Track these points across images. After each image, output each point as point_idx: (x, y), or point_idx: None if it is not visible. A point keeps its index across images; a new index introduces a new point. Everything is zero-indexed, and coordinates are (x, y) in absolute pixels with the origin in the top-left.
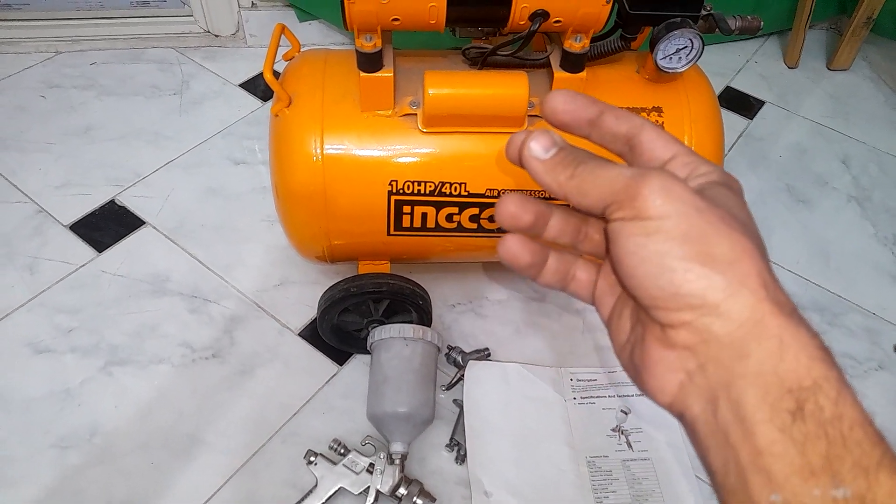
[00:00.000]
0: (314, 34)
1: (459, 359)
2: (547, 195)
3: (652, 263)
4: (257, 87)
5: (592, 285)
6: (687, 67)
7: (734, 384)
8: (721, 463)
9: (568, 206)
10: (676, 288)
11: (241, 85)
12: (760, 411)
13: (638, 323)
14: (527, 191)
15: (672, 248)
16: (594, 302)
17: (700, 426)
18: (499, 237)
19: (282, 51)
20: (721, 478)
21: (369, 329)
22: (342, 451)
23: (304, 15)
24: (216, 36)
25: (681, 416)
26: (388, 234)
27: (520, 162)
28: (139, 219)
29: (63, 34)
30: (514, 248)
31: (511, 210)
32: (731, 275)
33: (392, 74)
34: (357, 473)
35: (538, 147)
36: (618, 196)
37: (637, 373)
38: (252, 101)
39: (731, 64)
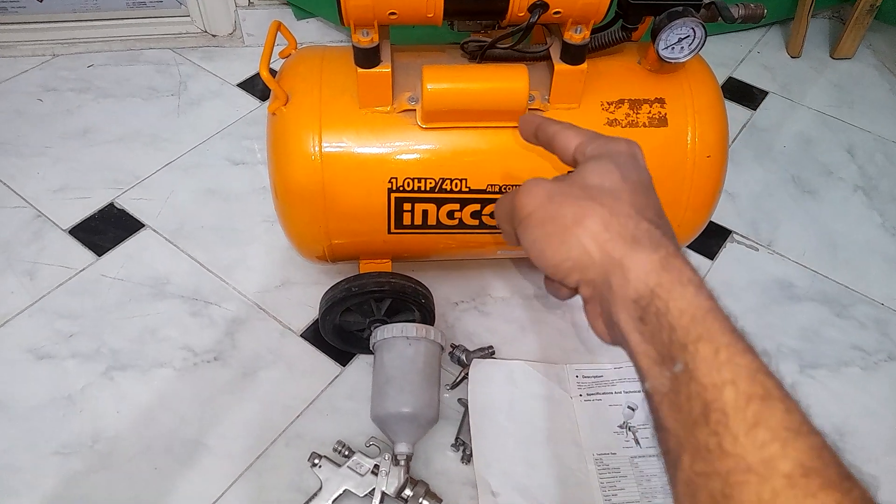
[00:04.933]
0: (312, 32)
1: (463, 357)
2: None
3: (534, 250)
4: (256, 87)
5: None
6: (689, 57)
7: (612, 311)
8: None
9: None
10: (554, 262)
11: (239, 85)
12: (626, 324)
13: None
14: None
15: (539, 234)
16: None
17: (624, 349)
18: (501, 233)
19: (278, 49)
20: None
21: (372, 329)
22: (346, 452)
23: (302, 13)
24: (213, 36)
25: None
26: (389, 232)
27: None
28: (138, 221)
29: (59, 37)
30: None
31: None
32: (580, 235)
33: (390, 70)
34: (362, 475)
35: None
36: (512, 212)
37: (598, 331)
38: (251, 101)
39: (733, 54)
